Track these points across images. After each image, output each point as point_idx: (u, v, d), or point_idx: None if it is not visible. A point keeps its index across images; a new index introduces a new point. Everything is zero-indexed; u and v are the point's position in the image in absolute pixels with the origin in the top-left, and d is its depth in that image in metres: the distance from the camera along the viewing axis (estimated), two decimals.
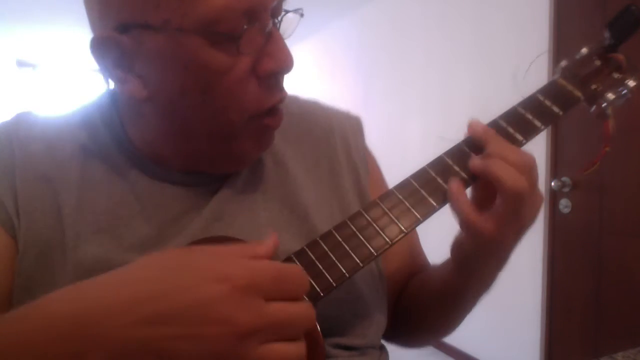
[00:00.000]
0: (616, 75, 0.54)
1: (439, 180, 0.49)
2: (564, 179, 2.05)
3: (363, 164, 0.64)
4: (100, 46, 0.46)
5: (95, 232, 0.49)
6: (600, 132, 0.54)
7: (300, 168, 0.59)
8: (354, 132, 0.66)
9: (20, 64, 4.96)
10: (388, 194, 0.49)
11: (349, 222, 0.47)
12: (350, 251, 0.46)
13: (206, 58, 0.44)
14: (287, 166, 0.58)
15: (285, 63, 0.47)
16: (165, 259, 0.37)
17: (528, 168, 0.46)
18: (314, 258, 0.45)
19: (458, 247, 0.51)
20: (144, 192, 0.52)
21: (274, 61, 0.47)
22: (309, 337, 0.38)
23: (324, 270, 0.45)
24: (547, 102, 0.52)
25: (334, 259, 0.45)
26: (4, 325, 0.35)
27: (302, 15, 0.49)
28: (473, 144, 0.50)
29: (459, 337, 2.66)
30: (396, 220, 0.47)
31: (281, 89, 0.51)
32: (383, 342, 0.61)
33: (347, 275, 0.45)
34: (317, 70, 4.15)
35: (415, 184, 0.49)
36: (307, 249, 0.46)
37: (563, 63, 0.56)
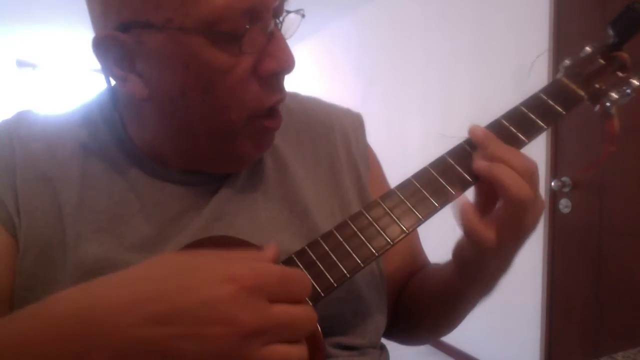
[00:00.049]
0: (620, 74, 0.54)
1: (441, 180, 0.48)
2: (564, 179, 2.05)
3: (364, 161, 0.64)
4: (101, 45, 0.46)
5: (96, 231, 0.49)
6: (603, 132, 0.54)
7: (300, 167, 0.59)
8: (354, 129, 0.66)
9: (20, 64, 4.96)
10: (389, 194, 0.49)
11: (349, 222, 0.47)
12: (351, 251, 0.46)
13: (208, 57, 0.44)
14: (287, 165, 0.58)
15: (286, 63, 0.47)
16: (171, 260, 0.38)
17: (530, 173, 0.45)
18: (314, 258, 0.45)
19: (460, 252, 0.51)
20: (144, 190, 0.52)
21: (275, 61, 0.47)
22: (309, 337, 0.38)
23: (324, 270, 0.45)
24: (550, 101, 0.52)
25: (335, 259, 0.45)
26: (10, 324, 0.36)
27: (303, 15, 0.49)
28: (475, 144, 0.50)
29: (459, 336, 2.67)
30: (397, 220, 0.47)
31: (281, 89, 0.51)
32: (383, 340, 0.61)
33: (348, 276, 0.45)
34: (317, 70, 4.15)
35: (417, 184, 0.49)
36: (308, 249, 0.46)
37: (566, 62, 0.56)
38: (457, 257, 0.52)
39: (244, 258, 0.38)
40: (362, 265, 0.45)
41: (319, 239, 0.47)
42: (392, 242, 0.46)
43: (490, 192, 0.47)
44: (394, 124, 3.15)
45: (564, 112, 0.52)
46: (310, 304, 0.42)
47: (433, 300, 0.60)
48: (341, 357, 0.52)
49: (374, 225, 0.47)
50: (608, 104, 0.53)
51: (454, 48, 2.66)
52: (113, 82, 0.51)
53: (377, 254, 0.46)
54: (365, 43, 3.51)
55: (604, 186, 1.92)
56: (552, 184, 2.07)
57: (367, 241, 0.46)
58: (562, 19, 2.08)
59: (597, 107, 0.54)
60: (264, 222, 0.54)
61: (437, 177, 0.49)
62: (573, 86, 0.54)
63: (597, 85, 0.53)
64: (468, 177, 0.48)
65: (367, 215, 0.47)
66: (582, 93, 0.53)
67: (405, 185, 0.49)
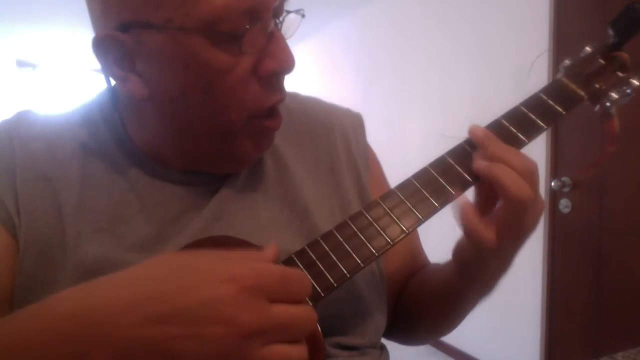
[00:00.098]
0: (620, 74, 0.54)
1: (441, 180, 0.48)
2: (564, 179, 2.05)
3: (364, 160, 0.64)
4: (101, 45, 0.46)
5: (96, 231, 0.49)
6: (604, 132, 0.54)
7: (300, 167, 0.59)
8: (354, 128, 0.66)
9: (20, 64, 4.96)
10: (389, 194, 0.49)
11: (349, 222, 0.47)
12: (351, 251, 0.46)
13: (208, 57, 0.44)
14: (287, 165, 0.58)
15: (286, 63, 0.47)
16: (171, 260, 0.38)
17: (530, 173, 0.45)
18: (314, 258, 0.45)
19: (459, 252, 0.51)
20: (144, 191, 0.52)
21: (275, 61, 0.47)
22: (309, 337, 0.38)
23: (324, 271, 0.45)
24: (550, 101, 0.52)
25: (335, 259, 0.45)
26: (10, 324, 0.36)
27: (303, 16, 0.49)
28: (475, 144, 0.50)
29: (459, 336, 2.67)
30: (397, 220, 0.47)
31: (281, 90, 0.51)
32: (383, 340, 0.61)
33: (348, 276, 0.45)
34: (317, 71, 4.15)
35: (417, 184, 0.49)
36: (308, 249, 0.46)
37: (566, 62, 0.56)
38: (457, 257, 0.52)
39: (244, 258, 0.38)
40: (362, 265, 0.45)
41: (319, 239, 0.47)
42: (392, 242, 0.46)
43: (490, 192, 0.47)
44: (394, 124, 3.15)
45: (564, 112, 0.52)
46: (310, 304, 0.42)
47: (433, 300, 0.60)
48: (341, 357, 0.52)
49: (374, 225, 0.47)
50: (608, 104, 0.53)
51: (454, 48, 2.66)
52: (113, 82, 0.51)
53: (377, 254, 0.46)
54: (365, 43, 3.51)
55: (604, 186, 1.92)
56: (552, 184, 2.07)
57: (367, 241, 0.46)
58: (562, 19, 2.08)
59: (597, 107, 0.54)
60: (264, 222, 0.54)
61: (437, 177, 0.49)
62: (573, 86, 0.54)
63: (597, 85, 0.53)
64: (468, 177, 0.48)
65: (367, 215, 0.47)
66: (582, 93, 0.53)
67: (405, 185, 0.49)
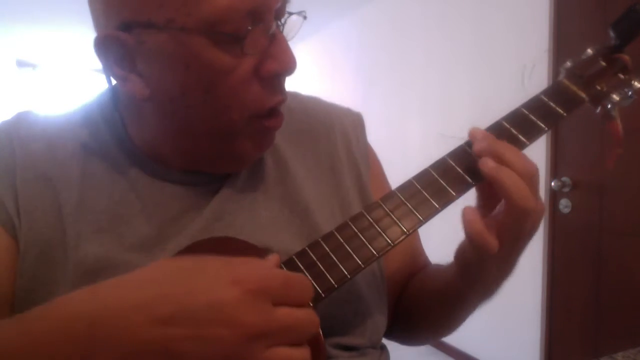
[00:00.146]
0: (621, 76, 0.54)
1: (442, 181, 0.48)
2: (564, 179, 2.05)
3: (364, 160, 0.64)
4: (103, 45, 0.46)
5: (96, 231, 0.49)
6: (609, 135, 0.54)
7: (300, 167, 0.59)
8: (354, 128, 0.66)
9: (20, 64, 4.96)
10: (390, 195, 0.49)
11: (350, 223, 0.47)
12: (351, 252, 0.46)
13: (209, 58, 0.44)
14: (288, 165, 0.58)
15: (288, 65, 0.47)
16: (179, 263, 0.38)
17: (530, 175, 0.45)
18: (315, 259, 0.45)
19: (461, 254, 0.51)
20: (145, 191, 0.52)
21: (277, 63, 0.47)
22: (311, 339, 0.38)
23: (325, 271, 0.45)
24: (551, 103, 0.52)
25: (335, 260, 0.45)
26: (17, 325, 0.36)
27: (305, 17, 0.49)
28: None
29: (459, 337, 2.66)
30: (398, 222, 0.47)
31: (282, 91, 0.51)
32: (383, 340, 0.61)
33: (349, 277, 0.45)
34: (317, 71, 4.15)
35: (418, 185, 0.49)
36: (308, 250, 0.46)
37: (567, 64, 0.56)
38: (459, 259, 0.52)
39: (248, 262, 0.38)
40: (362, 266, 0.45)
41: (320, 239, 0.47)
42: (393, 243, 0.46)
43: (491, 193, 0.47)
44: (394, 124, 3.15)
45: (564, 114, 0.52)
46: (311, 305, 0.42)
47: (434, 301, 0.60)
48: (341, 358, 0.52)
49: (375, 227, 0.47)
50: (609, 106, 0.53)
51: (454, 48, 2.66)
52: (114, 82, 0.51)
53: (377, 255, 0.46)
54: (365, 43, 3.51)
55: (604, 186, 1.92)
56: (552, 184, 2.07)
57: (368, 242, 0.46)
58: (562, 19, 2.08)
59: (599, 109, 0.54)
60: (264, 222, 0.54)
61: (438, 178, 0.49)
62: (574, 88, 0.54)
63: (598, 87, 0.53)
64: (469, 179, 0.48)
65: (368, 217, 0.47)
66: (583, 95, 0.53)
67: (405, 187, 0.49)
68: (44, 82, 5.14)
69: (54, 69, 5.18)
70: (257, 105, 0.48)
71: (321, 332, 0.44)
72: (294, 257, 0.46)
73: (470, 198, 0.50)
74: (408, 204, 0.48)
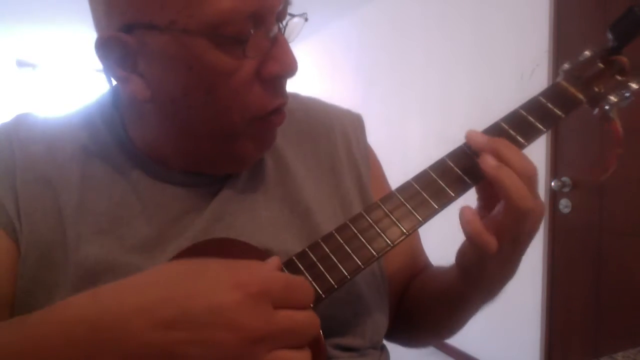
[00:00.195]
0: (619, 78, 0.54)
1: (441, 182, 0.49)
2: (564, 179, 2.05)
3: (364, 160, 0.64)
4: (104, 46, 0.46)
5: (97, 232, 0.49)
6: (609, 136, 0.54)
7: (301, 167, 0.59)
8: (354, 128, 0.66)
9: (20, 64, 4.96)
10: (389, 196, 0.49)
11: (350, 224, 0.47)
12: (351, 253, 0.46)
13: (211, 60, 0.44)
14: (288, 166, 0.58)
15: (289, 67, 0.47)
16: (179, 266, 0.38)
17: (528, 176, 0.45)
18: (315, 260, 0.45)
19: (462, 256, 0.51)
20: (145, 192, 0.52)
21: (279, 65, 0.47)
22: (312, 341, 0.38)
23: (325, 272, 0.45)
24: (550, 105, 0.52)
25: (335, 261, 0.45)
26: (19, 329, 0.36)
27: (306, 19, 0.49)
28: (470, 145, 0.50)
29: (459, 337, 2.65)
30: (397, 222, 0.47)
31: (284, 93, 0.51)
32: (384, 341, 0.61)
33: (349, 277, 0.45)
34: (316, 71, 4.14)
35: (417, 186, 0.49)
36: (308, 251, 0.46)
37: (566, 66, 0.56)
38: (460, 261, 0.52)
39: (249, 266, 0.38)
40: (362, 266, 0.45)
41: (320, 240, 0.47)
42: (392, 243, 0.46)
43: (491, 193, 0.47)
44: (393, 124, 3.15)
45: (563, 116, 0.52)
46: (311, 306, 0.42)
47: (435, 303, 0.60)
48: (341, 358, 0.52)
49: (374, 227, 0.47)
50: (607, 107, 0.53)
51: (454, 48, 2.66)
52: (115, 83, 0.51)
53: (377, 256, 0.46)
54: (365, 43, 3.51)
55: (604, 186, 1.92)
56: (552, 184, 2.07)
57: (367, 243, 0.46)
58: (562, 20, 2.08)
59: (597, 111, 0.54)
60: (265, 222, 0.54)
61: (437, 179, 0.49)
62: (572, 89, 0.54)
63: (596, 89, 0.54)
64: (467, 180, 0.49)
65: (367, 217, 0.48)
66: (581, 96, 0.53)
67: (405, 188, 0.49)
68: (44, 82, 5.14)
69: (54, 69, 5.18)
70: (259, 107, 0.48)
71: (322, 335, 0.44)
72: (294, 258, 0.46)
73: (470, 198, 0.50)
74: (407, 205, 0.48)
